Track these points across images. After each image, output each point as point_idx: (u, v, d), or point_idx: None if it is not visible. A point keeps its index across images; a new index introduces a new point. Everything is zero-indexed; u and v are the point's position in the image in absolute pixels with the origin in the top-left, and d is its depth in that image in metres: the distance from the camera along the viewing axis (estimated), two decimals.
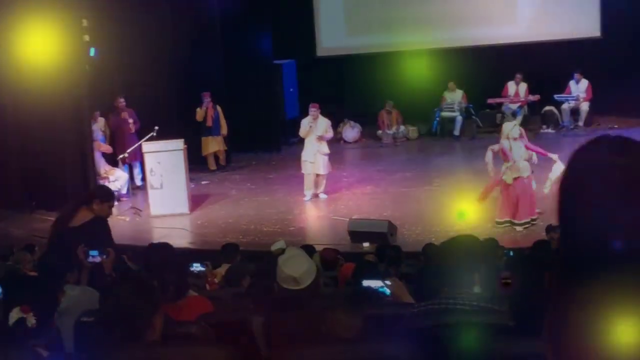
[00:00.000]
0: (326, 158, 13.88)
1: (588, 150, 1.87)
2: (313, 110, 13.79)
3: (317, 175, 13.90)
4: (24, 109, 13.87)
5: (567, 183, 1.87)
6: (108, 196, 7.18)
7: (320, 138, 13.73)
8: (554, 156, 11.06)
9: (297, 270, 4.19)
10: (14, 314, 3.42)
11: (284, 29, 18.29)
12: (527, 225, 11.18)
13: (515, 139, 11.14)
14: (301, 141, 14.32)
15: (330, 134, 14.07)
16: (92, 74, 14.21)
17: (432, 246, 8.52)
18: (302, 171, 13.94)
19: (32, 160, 14.17)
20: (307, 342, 3.71)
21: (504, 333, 3.71)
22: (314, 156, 13.69)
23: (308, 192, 13.91)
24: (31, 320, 3.41)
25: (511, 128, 11.30)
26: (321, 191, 14.03)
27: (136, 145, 14.45)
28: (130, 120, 15.07)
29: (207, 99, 16.17)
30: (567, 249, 1.88)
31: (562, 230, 1.90)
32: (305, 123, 13.81)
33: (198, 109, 16.19)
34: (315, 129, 13.69)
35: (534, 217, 11.24)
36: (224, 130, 16.50)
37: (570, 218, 1.86)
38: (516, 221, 11.22)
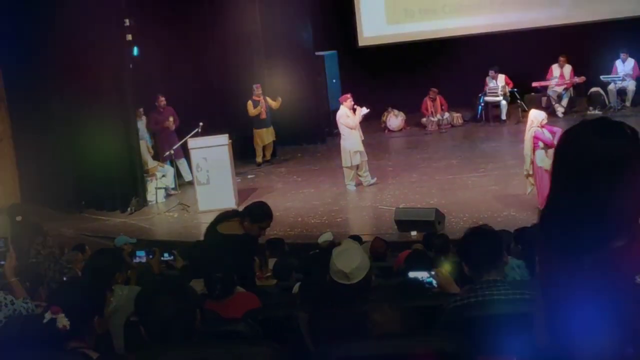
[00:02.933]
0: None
1: (575, 133, 2.02)
2: (350, 100, 13.87)
3: (362, 162, 13.99)
4: (74, 109, 14.09)
5: (557, 162, 2.05)
6: (259, 217, 6.94)
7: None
8: None
9: (348, 265, 4.15)
10: (47, 316, 3.43)
11: (324, 20, 18.25)
12: None
13: (543, 126, 11.05)
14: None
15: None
16: (135, 73, 14.35)
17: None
18: (352, 163, 13.82)
19: (81, 160, 14.36)
20: (353, 337, 3.69)
21: None
22: (361, 144, 13.84)
23: (352, 183, 13.95)
24: (62, 321, 3.41)
25: (544, 117, 11.21)
26: (368, 175, 14.11)
27: (182, 141, 14.55)
28: (171, 118, 15.18)
29: (258, 91, 16.18)
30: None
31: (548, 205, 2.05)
32: (353, 115, 13.79)
33: (249, 103, 16.16)
34: (359, 117, 13.79)
35: None
36: (277, 104, 16.40)
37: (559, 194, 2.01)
38: None
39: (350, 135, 13.78)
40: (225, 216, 7.07)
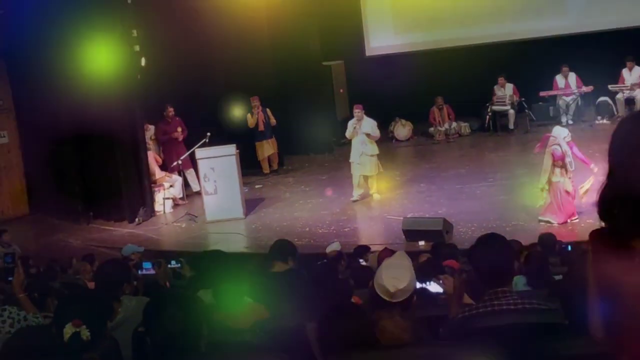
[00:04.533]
0: (374, 159, 13.74)
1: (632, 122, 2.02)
2: (357, 111, 13.71)
3: (366, 176, 13.82)
4: (82, 120, 14.13)
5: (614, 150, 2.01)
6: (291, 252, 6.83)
7: (368, 137, 13.61)
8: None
9: (395, 285, 3.78)
10: (68, 330, 3.43)
11: (331, 30, 18.27)
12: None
13: (569, 143, 11.09)
14: (350, 142, 14.22)
15: (376, 133, 13.82)
16: (143, 84, 14.39)
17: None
18: (351, 172, 13.91)
19: (89, 170, 14.41)
20: (362, 347, 3.67)
21: (556, 332, 3.65)
22: (360, 157, 13.62)
23: (356, 193, 13.87)
24: (85, 333, 3.42)
25: (567, 134, 11.20)
26: (374, 191, 13.95)
27: (189, 152, 14.58)
28: (179, 129, 15.21)
29: (255, 103, 16.23)
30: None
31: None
32: (350, 124, 13.81)
33: (248, 115, 16.25)
34: (359, 129, 13.60)
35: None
36: (273, 121, 16.43)
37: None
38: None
39: (352, 144, 13.89)
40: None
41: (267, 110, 16.41)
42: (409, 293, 3.97)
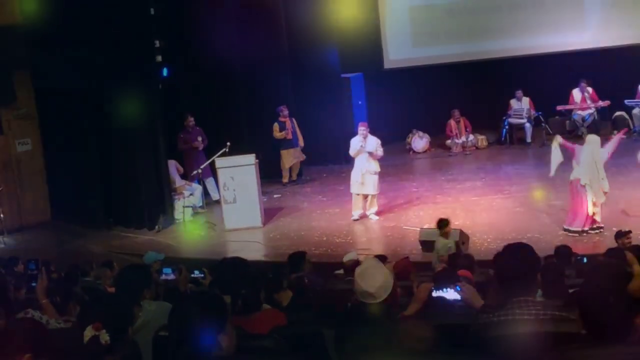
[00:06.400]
0: (376, 177, 13.55)
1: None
2: (362, 129, 13.50)
3: (367, 195, 13.62)
4: (104, 128, 14.34)
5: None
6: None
7: (371, 156, 13.43)
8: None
9: (371, 285, 4.18)
10: (88, 332, 3.51)
11: (350, 42, 18.37)
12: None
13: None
14: None
15: (380, 152, 13.58)
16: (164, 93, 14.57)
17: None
18: (351, 190, 13.67)
19: (110, 178, 14.57)
20: (380, 354, 3.75)
21: (574, 341, 3.68)
22: (362, 176, 13.41)
23: (356, 212, 13.63)
24: (105, 337, 3.50)
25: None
26: (372, 212, 13.72)
27: (209, 161, 14.71)
28: (199, 138, 15.37)
29: (285, 112, 16.37)
30: None
31: None
32: (356, 142, 13.51)
33: (275, 124, 16.34)
34: (365, 147, 13.42)
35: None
36: (301, 141, 16.69)
37: None
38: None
39: (355, 162, 13.62)
40: None
41: (294, 120, 16.54)
42: (390, 289, 4.14)
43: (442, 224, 10.31)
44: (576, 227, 11.29)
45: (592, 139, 11.69)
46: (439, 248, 10.12)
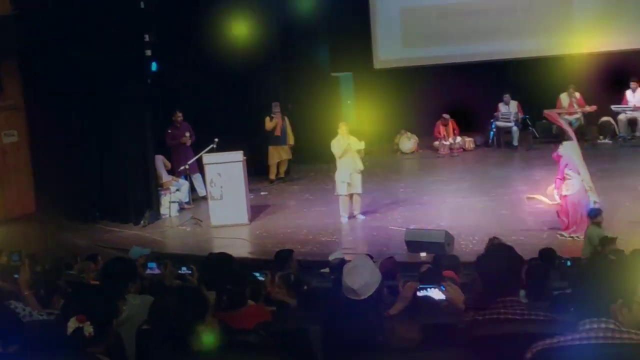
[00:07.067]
0: (361, 176, 13.45)
1: None
2: (344, 128, 13.43)
3: (353, 194, 13.48)
4: (91, 122, 14.29)
5: None
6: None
7: (358, 152, 13.35)
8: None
9: (356, 281, 4.19)
10: (71, 324, 3.49)
11: (341, 42, 18.40)
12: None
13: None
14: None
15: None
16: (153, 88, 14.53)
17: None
18: (337, 193, 13.46)
19: (96, 171, 14.52)
20: (365, 352, 3.75)
21: None
22: (350, 176, 13.27)
23: (345, 214, 13.52)
24: (88, 329, 3.49)
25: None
26: (359, 212, 13.62)
27: (197, 157, 14.69)
28: (187, 134, 15.34)
29: (277, 109, 16.39)
30: None
31: None
32: (340, 143, 13.31)
33: (267, 118, 16.39)
34: (351, 147, 13.33)
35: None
36: (291, 140, 16.70)
37: None
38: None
39: (338, 164, 13.41)
40: None
41: (286, 118, 16.54)
42: (374, 287, 4.16)
43: (594, 213, 10.36)
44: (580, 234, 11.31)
45: (573, 144, 11.75)
46: (592, 237, 10.09)
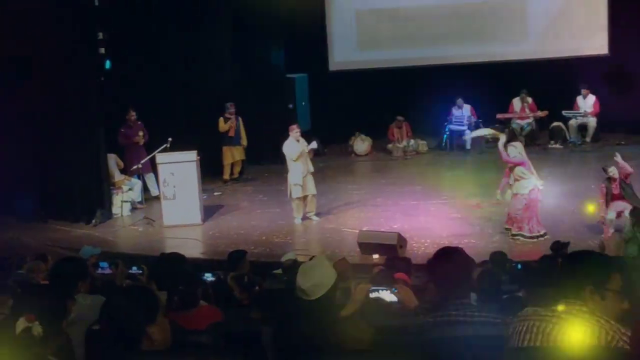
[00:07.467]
0: (312, 177, 13.46)
1: None
2: (297, 131, 13.39)
3: (308, 196, 13.44)
4: (41, 118, 14.07)
5: None
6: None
7: (310, 154, 13.40)
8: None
9: (306, 281, 4.21)
10: (20, 324, 3.46)
11: (297, 43, 18.41)
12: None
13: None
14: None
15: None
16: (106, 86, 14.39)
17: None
18: (292, 196, 13.36)
19: (46, 170, 14.33)
20: (316, 353, 3.76)
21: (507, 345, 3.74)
22: (304, 178, 13.25)
23: (299, 216, 13.48)
24: (37, 329, 3.45)
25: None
26: (314, 213, 13.60)
27: (150, 156, 14.59)
28: (141, 133, 15.22)
29: (232, 109, 16.34)
30: None
31: None
32: (294, 145, 13.22)
33: (220, 119, 16.32)
34: (309, 146, 13.37)
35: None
36: (244, 141, 16.66)
37: None
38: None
39: (292, 167, 13.31)
40: None
41: (240, 119, 16.49)
42: (325, 288, 4.17)
43: (636, 213, 10.40)
44: (538, 232, 11.47)
45: (521, 144, 11.92)
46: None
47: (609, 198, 11.45)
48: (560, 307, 3.22)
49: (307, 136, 13.79)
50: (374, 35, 19.55)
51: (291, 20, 18.06)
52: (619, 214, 11.32)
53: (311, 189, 13.43)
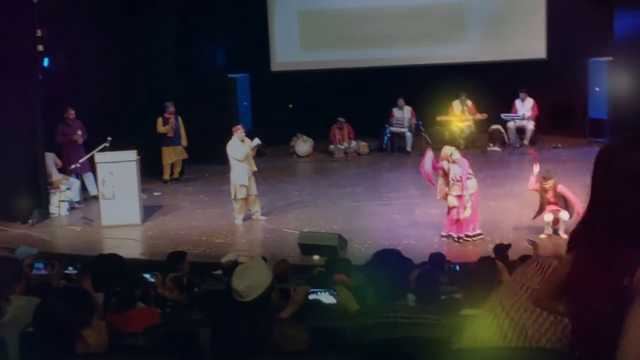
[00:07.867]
0: (254, 177, 13.48)
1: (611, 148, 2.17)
2: (242, 131, 13.39)
3: (250, 196, 13.40)
4: None
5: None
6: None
7: (254, 151, 13.41)
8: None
9: (241, 283, 4.21)
10: None
11: (238, 43, 18.38)
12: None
13: (454, 162, 11.48)
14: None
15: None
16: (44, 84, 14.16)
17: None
18: (237, 197, 13.29)
19: None
20: (254, 355, 3.77)
21: (444, 346, 3.79)
22: (249, 179, 13.25)
23: (240, 217, 13.42)
24: None
25: (452, 151, 11.66)
26: (260, 213, 13.59)
27: (89, 155, 14.42)
28: (79, 132, 15.02)
29: (170, 109, 16.22)
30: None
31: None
32: (239, 146, 13.17)
33: (159, 119, 16.24)
34: (254, 144, 13.41)
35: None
36: (184, 141, 16.55)
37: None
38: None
39: (237, 168, 13.23)
40: None
41: (179, 118, 16.37)
42: (260, 290, 4.18)
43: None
44: (476, 231, 11.61)
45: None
46: None
47: (544, 202, 11.64)
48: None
49: (248, 136, 13.74)
50: (316, 36, 19.62)
51: (233, 20, 18.03)
52: (556, 221, 11.56)
53: (253, 189, 13.41)
